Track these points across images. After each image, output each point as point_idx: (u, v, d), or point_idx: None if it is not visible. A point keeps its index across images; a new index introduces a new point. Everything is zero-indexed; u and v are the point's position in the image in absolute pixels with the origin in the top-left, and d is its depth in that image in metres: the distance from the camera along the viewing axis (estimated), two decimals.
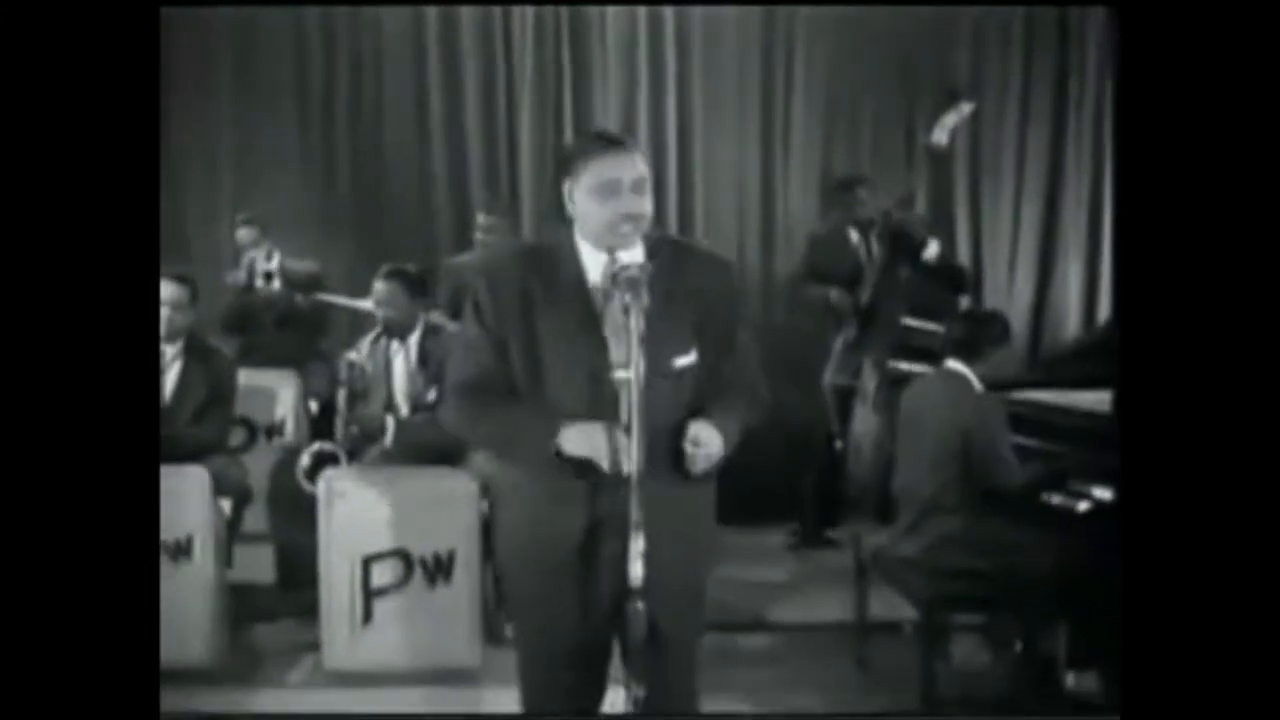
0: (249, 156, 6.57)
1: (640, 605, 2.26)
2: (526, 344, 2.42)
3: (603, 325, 2.38)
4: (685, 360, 2.46)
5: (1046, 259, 6.54)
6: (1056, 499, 3.85)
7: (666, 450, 2.40)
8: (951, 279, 5.25)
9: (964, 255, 6.45)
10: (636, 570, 2.23)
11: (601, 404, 2.33)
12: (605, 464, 2.28)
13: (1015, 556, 3.67)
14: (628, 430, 2.26)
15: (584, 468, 2.32)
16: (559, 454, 2.32)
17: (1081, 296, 6.48)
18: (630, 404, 2.25)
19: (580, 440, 2.31)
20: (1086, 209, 6.46)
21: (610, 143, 2.52)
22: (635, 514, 2.23)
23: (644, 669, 2.50)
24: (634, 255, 2.44)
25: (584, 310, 2.39)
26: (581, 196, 2.41)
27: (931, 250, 5.08)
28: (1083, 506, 3.79)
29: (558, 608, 2.43)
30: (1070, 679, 3.79)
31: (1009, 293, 6.51)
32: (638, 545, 2.23)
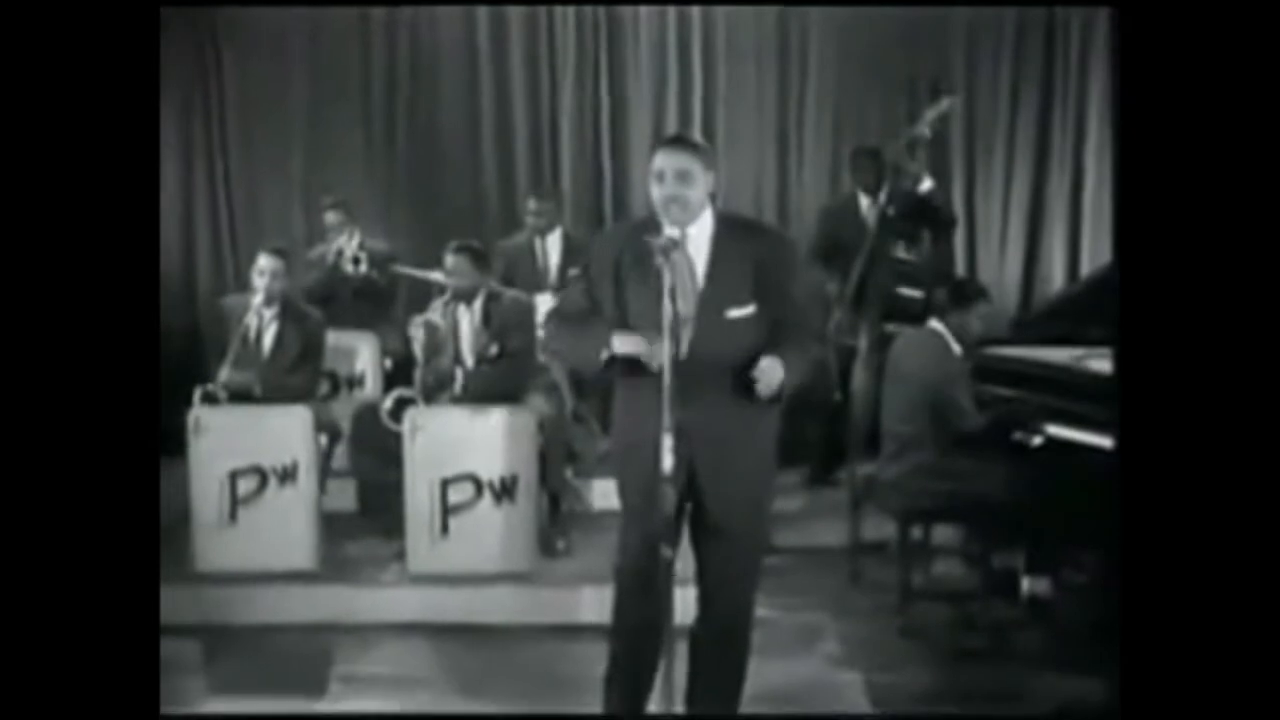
0: (318, 144, 7.26)
1: (669, 488, 2.97)
2: (615, 295, 3.18)
3: (663, 282, 2.95)
4: (741, 312, 3.14)
5: (1033, 234, 7.14)
6: (1016, 435, 4.57)
7: (728, 382, 3.09)
8: (936, 214, 5.79)
9: (960, 231, 6.95)
10: (667, 461, 2.94)
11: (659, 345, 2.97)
12: (650, 361, 3.00)
13: (975, 481, 4.36)
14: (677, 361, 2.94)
15: (635, 364, 3.05)
16: (613, 356, 3.07)
17: (1064, 267, 7.08)
18: (667, 341, 2.91)
19: (625, 342, 3.06)
20: (1069, 189, 7.06)
21: (668, 141, 3.33)
22: (666, 420, 2.91)
23: (710, 558, 3.28)
24: (700, 233, 3.17)
25: (653, 269, 2.99)
26: (650, 181, 3.16)
27: (925, 185, 5.63)
28: (1036, 441, 4.51)
29: (644, 495, 3.09)
30: (1026, 583, 4.47)
31: (1000, 264, 7.14)
32: (667, 442, 2.92)
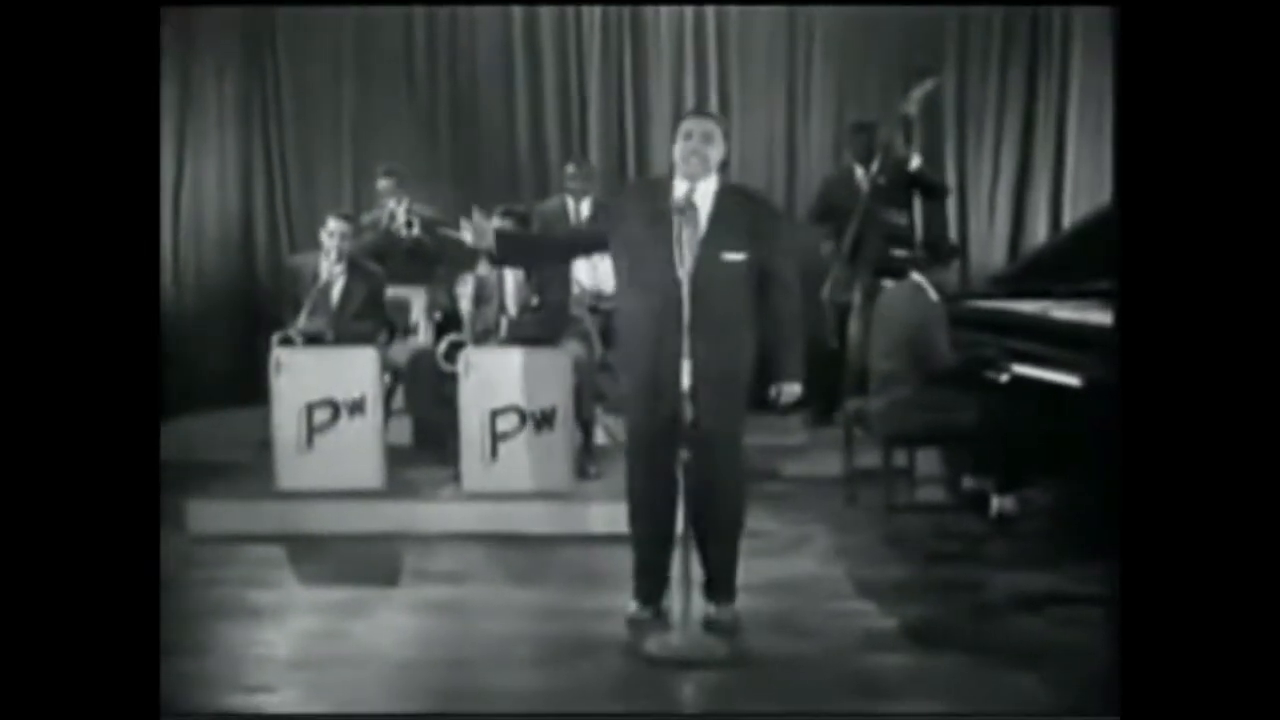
0: (367, 121, 8.00)
1: (688, 404, 3.73)
2: (625, 239, 3.93)
3: (673, 229, 3.75)
4: (734, 256, 3.88)
5: (1019, 201, 7.84)
6: (986, 373, 5.27)
7: (721, 308, 3.81)
8: (929, 187, 6.62)
9: (953, 198, 7.67)
10: (685, 380, 3.72)
11: (668, 281, 3.74)
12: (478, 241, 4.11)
13: (950, 412, 5.08)
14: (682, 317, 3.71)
15: (637, 288, 3.89)
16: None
17: (1048, 228, 7.75)
18: (682, 281, 3.71)
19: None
20: (1051, 161, 7.76)
21: (694, 110, 4.29)
22: (685, 347, 3.69)
23: (699, 453, 3.91)
24: (706, 190, 3.89)
25: (665, 219, 3.78)
26: (676, 141, 3.91)
27: (915, 162, 6.44)
28: (1004, 378, 5.19)
29: (650, 409, 3.90)
30: (995, 502, 5.21)
31: (989, 228, 7.85)
32: (686, 365, 3.70)
